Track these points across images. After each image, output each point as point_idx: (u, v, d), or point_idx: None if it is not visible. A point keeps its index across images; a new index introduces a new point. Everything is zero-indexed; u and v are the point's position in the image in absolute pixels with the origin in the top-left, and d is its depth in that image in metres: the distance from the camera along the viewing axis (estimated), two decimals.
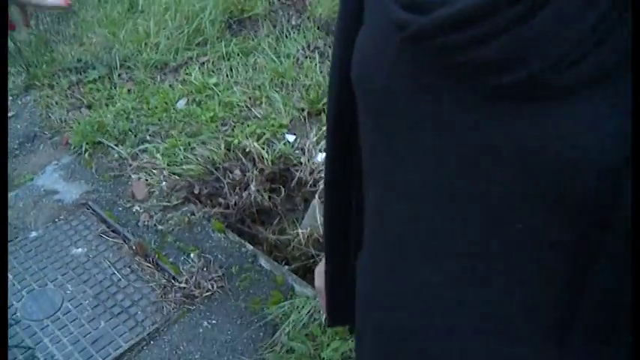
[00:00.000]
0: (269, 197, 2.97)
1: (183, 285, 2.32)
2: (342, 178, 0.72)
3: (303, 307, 2.23)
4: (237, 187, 2.96)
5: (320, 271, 0.86)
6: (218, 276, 2.38)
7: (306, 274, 2.86)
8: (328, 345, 2.03)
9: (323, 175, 2.76)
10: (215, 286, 2.33)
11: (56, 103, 3.31)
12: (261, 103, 3.18)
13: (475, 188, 0.49)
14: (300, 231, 2.84)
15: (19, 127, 3.22)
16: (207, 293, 2.30)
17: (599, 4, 0.37)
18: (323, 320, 2.14)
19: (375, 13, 0.55)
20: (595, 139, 0.40)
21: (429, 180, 0.52)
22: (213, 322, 2.22)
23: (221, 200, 2.88)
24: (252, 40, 3.89)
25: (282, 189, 3.02)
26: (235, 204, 2.90)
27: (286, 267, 3.01)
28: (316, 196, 2.83)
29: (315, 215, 2.84)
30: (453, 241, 0.53)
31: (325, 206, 0.78)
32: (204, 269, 2.40)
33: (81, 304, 2.27)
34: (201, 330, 2.19)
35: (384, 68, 0.51)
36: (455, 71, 0.45)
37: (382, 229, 0.63)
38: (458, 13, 0.41)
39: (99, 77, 3.48)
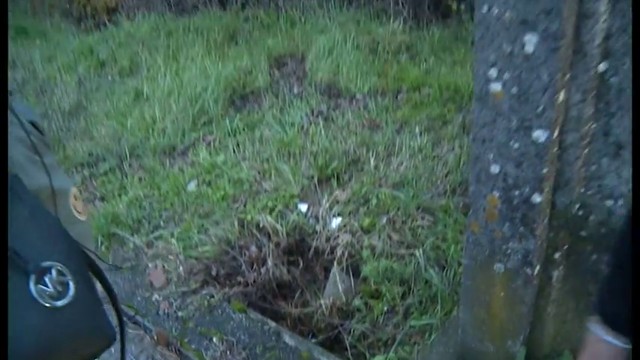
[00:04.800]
0: (288, 270, 2.93)
1: None
2: None
3: None
4: (255, 264, 2.93)
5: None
6: (242, 358, 2.31)
7: (333, 345, 2.79)
8: None
9: (339, 241, 2.70)
10: None
11: None
12: (270, 175, 3.19)
13: None
14: (322, 302, 2.79)
15: None
16: None
17: None
18: None
19: None
20: None
21: None
22: None
23: (240, 279, 2.84)
24: (257, 113, 3.94)
25: (300, 260, 2.99)
26: (254, 281, 2.87)
27: (313, 339, 2.95)
28: (334, 263, 2.79)
29: (337, 283, 2.79)
30: None
31: None
32: (228, 352, 2.34)
33: None
34: None
35: None
36: None
37: None
38: None
39: (110, 169, 3.53)
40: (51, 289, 0.87)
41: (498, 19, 1.38)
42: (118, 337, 1.01)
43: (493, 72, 1.44)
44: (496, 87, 1.44)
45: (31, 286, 0.85)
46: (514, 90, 1.41)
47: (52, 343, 0.89)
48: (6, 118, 0.97)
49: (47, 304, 0.86)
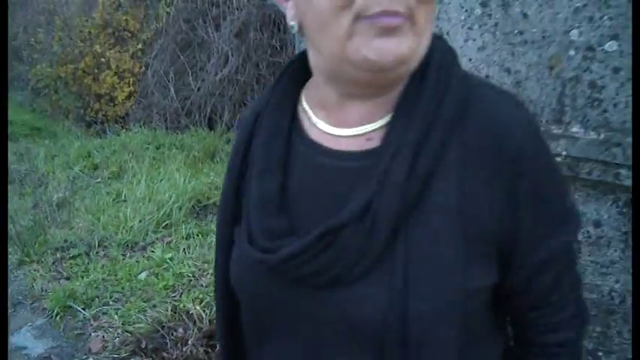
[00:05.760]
0: (205, 351, 3.52)
1: None
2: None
3: None
4: (179, 343, 3.52)
5: None
6: None
7: None
8: None
9: None
10: None
11: (41, 276, 4.02)
12: (208, 273, 3.87)
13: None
14: None
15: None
16: None
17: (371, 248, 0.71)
18: None
19: (238, 242, 0.85)
20: (371, 309, 0.71)
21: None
22: None
23: (164, 354, 3.43)
24: (213, 222, 4.67)
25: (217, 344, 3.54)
26: (175, 357, 3.45)
27: None
28: None
29: None
30: None
31: None
32: None
33: None
34: None
35: (251, 280, 0.83)
36: (296, 279, 0.75)
37: None
38: (289, 255, 0.73)
39: (79, 254, 4.21)
40: None
41: None
42: None
43: None
44: None
45: None
46: None
47: None
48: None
49: None
